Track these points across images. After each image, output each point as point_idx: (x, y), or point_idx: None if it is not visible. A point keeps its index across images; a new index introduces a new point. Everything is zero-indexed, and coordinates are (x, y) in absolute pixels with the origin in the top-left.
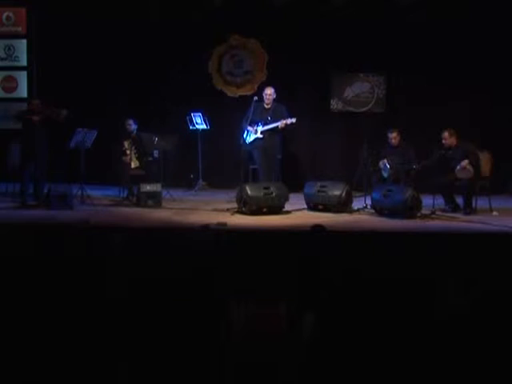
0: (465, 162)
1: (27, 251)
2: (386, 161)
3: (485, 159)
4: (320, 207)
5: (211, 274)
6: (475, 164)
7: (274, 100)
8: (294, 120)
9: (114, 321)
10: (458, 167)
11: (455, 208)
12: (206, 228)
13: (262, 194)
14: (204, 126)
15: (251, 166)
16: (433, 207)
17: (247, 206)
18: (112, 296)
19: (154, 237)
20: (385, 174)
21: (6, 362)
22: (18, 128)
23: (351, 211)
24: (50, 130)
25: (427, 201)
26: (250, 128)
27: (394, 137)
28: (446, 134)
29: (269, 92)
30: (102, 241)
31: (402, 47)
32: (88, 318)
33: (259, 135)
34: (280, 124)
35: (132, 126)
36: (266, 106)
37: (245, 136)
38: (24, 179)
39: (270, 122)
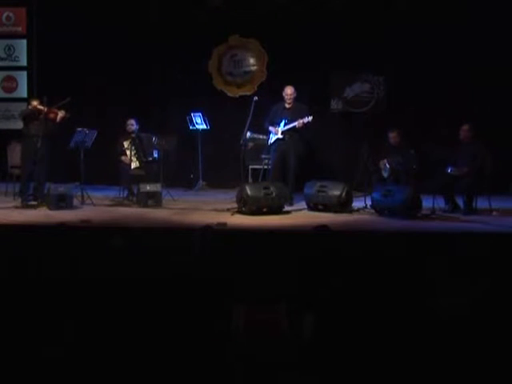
0: (465, 170)
1: (27, 251)
2: (386, 161)
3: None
4: (320, 207)
5: (212, 274)
6: (478, 166)
7: (296, 99)
8: (310, 119)
9: (115, 320)
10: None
11: (455, 208)
12: (207, 228)
13: (262, 194)
14: (204, 126)
15: (251, 166)
16: (433, 207)
17: (247, 206)
18: (112, 296)
19: (154, 237)
20: (385, 174)
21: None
22: (19, 128)
23: (351, 211)
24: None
25: (427, 201)
26: (271, 128)
27: (393, 137)
28: (465, 127)
29: (289, 92)
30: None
31: (402, 47)
32: (88, 318)
33: (279, 135)
34: (297, 124)
35: (134, 126)
36: (286, 106)
37: (270, 137)
38: (24, 179)
39: (290, 122)
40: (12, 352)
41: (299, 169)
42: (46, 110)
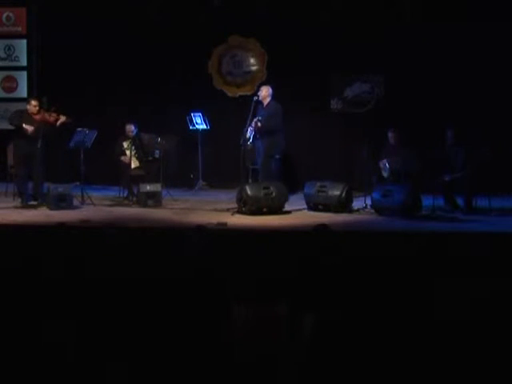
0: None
1: (27, 251)
2: (385, 161)
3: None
4: (320, 207)
5: (211, 274)
6: (475, 166)
7: (273, 98)
8: (259, 118)
9: (115, 320)
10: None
11: (455, 208)
12: (201, 228)
13: (261, 194)
14: (204, 126)
15: (250, 166)
16: (433, 207)
17: (247, 206)
18: (111, 296)
19: (154, 237)
20: (385, 174)
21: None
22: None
23: (351, 211)
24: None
25: (427, 201)
26: (250, 127)
27: (393, 137)
28: (449, 133)
29: (261, 90)
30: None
31: (402, 47)
32: (87, 318)
33: (250, 134)
34: (253, 125)
35: (133, 131)
36: (264, 105)
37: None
38: (20, 180)
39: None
40: (12, 352)
41: (271, 168)
42: (41, 115)
